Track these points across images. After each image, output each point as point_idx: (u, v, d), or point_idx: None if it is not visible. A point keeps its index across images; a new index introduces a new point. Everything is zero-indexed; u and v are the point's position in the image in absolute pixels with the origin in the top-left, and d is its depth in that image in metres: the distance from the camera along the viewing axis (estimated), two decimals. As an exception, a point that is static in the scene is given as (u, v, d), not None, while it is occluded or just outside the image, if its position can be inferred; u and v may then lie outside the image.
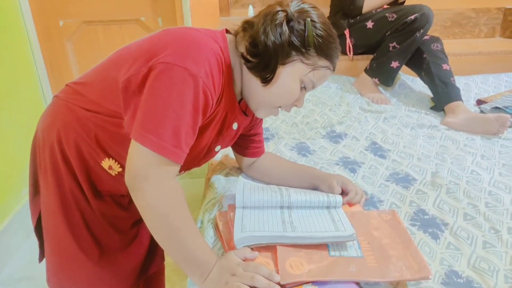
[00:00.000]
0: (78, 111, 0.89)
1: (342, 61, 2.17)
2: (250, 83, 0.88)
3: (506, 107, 1.72)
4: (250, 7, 2.34)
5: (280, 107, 0.93)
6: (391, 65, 1.95)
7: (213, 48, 0.81)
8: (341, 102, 1.91)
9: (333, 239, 0.84)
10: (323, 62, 0.86)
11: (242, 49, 0.86)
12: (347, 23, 2.07)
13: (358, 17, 2.05)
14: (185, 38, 0.81)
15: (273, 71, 0.84)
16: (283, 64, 0.84)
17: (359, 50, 2.11)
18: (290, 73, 0.85)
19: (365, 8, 2.02)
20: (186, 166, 0.97)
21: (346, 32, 2.07)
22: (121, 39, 2.60)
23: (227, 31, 0.93)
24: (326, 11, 2.22)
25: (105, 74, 0.89)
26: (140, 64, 0.80)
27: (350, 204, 1.01)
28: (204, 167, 1.19)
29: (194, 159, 0.96)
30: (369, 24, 1.99)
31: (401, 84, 2.10)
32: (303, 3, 0.86)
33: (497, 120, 1.52)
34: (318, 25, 0.83)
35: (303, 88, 0.89)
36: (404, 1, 2.10)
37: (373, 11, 2.01)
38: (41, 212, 0.99)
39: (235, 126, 0.97)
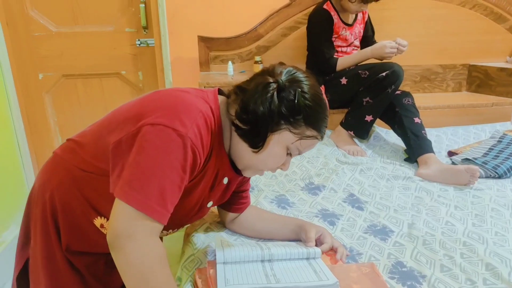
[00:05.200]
0: (74, 171, 0.91)
1: (318, 114, 2.23)
2: (238, 146, 0.90)
3: (475, 158, 1.78)
4: (230, 63, 2.42)
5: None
6: (365, 119, 2.02)
7: (202, 109, 0.83)
8: (319, 154, 1.96)
9: None
10: (310, 131, 0.87)
11: (233, 112, 0.88)
12: (322, 79, 2.16)
13: (333, 74, 2.14)
14: (174, 100, 0.83)
15: (263, 140, 0.85)
16: (272, 132, 0.85)
17: (334, 105, 2.18)
18: (278, 141, 0.86)
19: (339, 67, 2.12)
20: (179, 223, 0.98)
21: (322, 88, 2.15)
22: (101, 91, 2.62)
23: (220, 91, 0.96)
24: (301, 67, 2.30)
25: (98, 135, 0.91)
26: (130, 126, 0.82)
27: (333, 261, 1.02)
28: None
29: (186, 216, 0.96)
30: (343, 81, 2.09)
31: (375, 136, 2.17)
32: (297, 71, 0.88)
33: (467, 171, 1.58)
34: (307, 95, 0.85)
35: (289, 154, 0.91)
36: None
37: (347, 69, 2.11)
38: (30, 261, 0.99)
39: (225, 180, 0.98)
